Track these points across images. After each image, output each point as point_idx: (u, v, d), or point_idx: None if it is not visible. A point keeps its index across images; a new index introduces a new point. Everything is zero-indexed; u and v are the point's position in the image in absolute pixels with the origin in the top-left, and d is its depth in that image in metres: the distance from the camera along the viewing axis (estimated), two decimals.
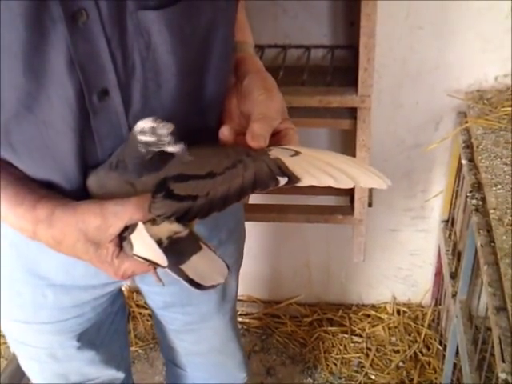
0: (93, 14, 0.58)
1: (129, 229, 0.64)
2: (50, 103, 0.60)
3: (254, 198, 1.47)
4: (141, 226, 0.63)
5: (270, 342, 1.87)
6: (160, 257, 0.62)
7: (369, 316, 1.90)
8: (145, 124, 0.60)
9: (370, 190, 1.44)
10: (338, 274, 1.88)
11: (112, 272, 0.66)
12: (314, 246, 1.81)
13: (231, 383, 1.23)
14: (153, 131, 0.60)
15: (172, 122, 0.61)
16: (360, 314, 1.90)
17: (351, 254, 1.69)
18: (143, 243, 0.63)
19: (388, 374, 1.74)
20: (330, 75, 1.33)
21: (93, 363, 0.99)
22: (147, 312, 1.93)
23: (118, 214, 0.62)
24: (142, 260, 0.63)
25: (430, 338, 1.81)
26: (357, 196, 1.37)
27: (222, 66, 0.70)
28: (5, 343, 1.85)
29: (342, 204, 1.58)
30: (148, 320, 1.92)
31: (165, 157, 0.62)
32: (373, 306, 1.92)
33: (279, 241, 1.81)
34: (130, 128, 0.64)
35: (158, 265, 0.63)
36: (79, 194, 0.66)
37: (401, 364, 1.77)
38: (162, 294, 0.98)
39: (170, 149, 0.60)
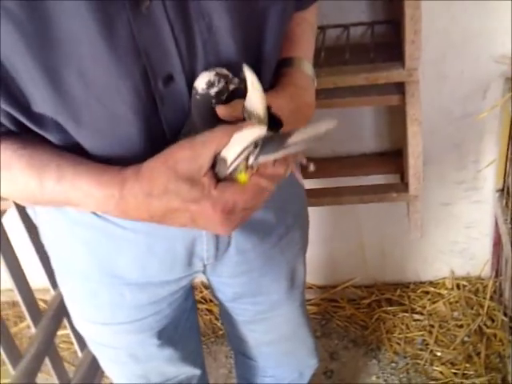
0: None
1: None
2: (118, 90, 0.60)
3: (307, 183, 1.46)
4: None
5: (331, 326, 1.86)
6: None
7: (428, 293, 1.87)
8: (208, 77, 0.62)
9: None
10: (392, 252, 1.85)
11: (210, 206, 0.61)
12: (367, 227, 1.79)
13: (303, 370, 1.22)
14: (219, 78, 0.62)
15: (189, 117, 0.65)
16: (419, 291, 1.88)
17: (405, 232, 1.67)
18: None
19: (454, 349, 1.71)
20: (373, 52, 1.31)
21: (171, 361, 1.00)
22: (205, 307, 1.94)
23: (206, 143, 0.60)
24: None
25: (494, 309, 1.78)
26: (411, 172, 1.35)
27: (277, 42, 0.70)
28: (69, 348, 1.89)
29: (392, 182, 1.56)
30: (206, 314, 1.93)
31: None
32: (431, 283, 1.89)
33: (331, 224, 1.79)
34: None
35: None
36: None
37: (466, 338, 1.74)
38: (232, 285, 0.97)
39: (233, 85, 0.63)
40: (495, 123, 1.53)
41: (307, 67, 0.77)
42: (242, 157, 0.61)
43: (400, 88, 1.29)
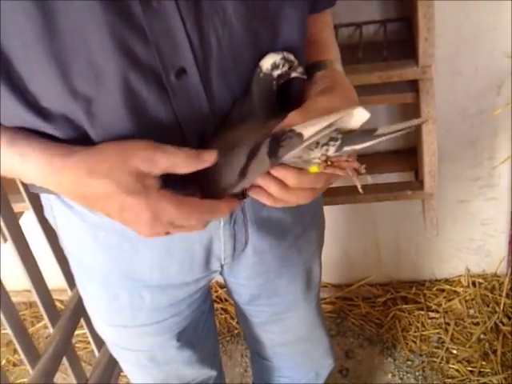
0: None
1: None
2: (129, 85, 0.60)
3: None
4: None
5: (346, 325, 1.86)
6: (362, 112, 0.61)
7: (443, 291, 1.86)
8: (273, 59, 0.64)
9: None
10: (408, 250, 1.85)
11: (144, 204, 0.61)
12: (382, 225, 1.79)
13: (319, 371, 1.22)
14: (284, 62, 0.64)
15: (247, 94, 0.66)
16: (434, 289, 1.87)
17: (420, 230, 1.67)
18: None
19: (470, 347, 1.71)
20: (386, 50, 1.30)
21: (190, 363, 1.00)
22: (220, 306, 1.94)
23: (169, 156, 0.61)
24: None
25: (510, 307, 1.76)
26: (426, 169, 1.34)
27: (291, 38, 0.70)
28: (85, 348, 1.90)
29: (406, 180, 1.56)
30: (222, 314, 1.94)
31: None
32: (446, 280, 1.89)
33: (346, 223, 1.79)
34: (211, 105, 0.65)
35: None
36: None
37: (482, 336, 1.73)
38: (248, 287, 0.97)
39: (295, 73, 0.66)
40: (510, 119, 1.52)
41: (341, 68, 0.77)
42: (319, 137, 0.60)
43: (414, 86, 1.29)
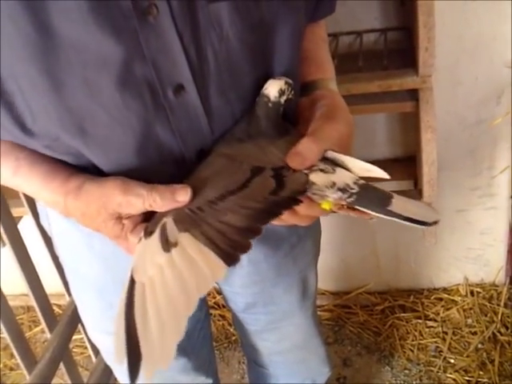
0: (163, 9, 0.57)
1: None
2: (125, 102, 0.60)
3: None
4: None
5: (343, 333, 1.86)
6: (379, 171, 0.61)
7: (441, 299, 1.86)
8: (279, 85, 0.66)
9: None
10: (406, 259, 1.85)
11: (125, 247, 0.67)
12: (381, 233, 1.79)
13: (315, 379, 1.22)
14: (288, 87, 0.66)
15: (247, 110, 0.68)
16: (432, 298, 1.87)
17: (419, 238, 1.67)
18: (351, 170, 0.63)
19: (467, 356, 1.70)
20: (386, 58, 1.31)
21: (185, 371, 1.00)
22: (218, 312, 1.94)
23: (142, 197, 0.62)
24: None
25: (508, 316, 1.76)
26: (425, 178, 1.34)
27: (289, 51, 0.70)
28: (82, 353, 1.90)
29: (405, 188, 1.56)
30: (219, 320, 1.93)
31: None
32: (445, 289, 1.88)
33: (344, 230, 1.79)
34: (210, 121, 0.65)
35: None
36: (162, 183, 0.65)
37: (480, 346, 1.73)
38: (244, 295, 0.97)
39: (291, 95, 0.67)
40: (509, 129, 1.52)
41: (336, 87, 0.77)
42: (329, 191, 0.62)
43: (414, 95, 1.29)
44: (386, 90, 1.27)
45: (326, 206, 0.63)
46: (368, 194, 0.61)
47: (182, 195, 0.61)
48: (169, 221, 0.60)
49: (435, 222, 0.61)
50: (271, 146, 0.66)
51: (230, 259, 0.57)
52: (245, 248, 0.59)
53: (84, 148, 0.64)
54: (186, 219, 0.60)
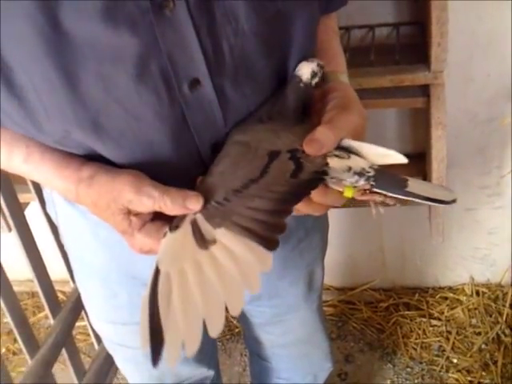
0: (180, 2, 0.57)
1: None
2: (138, 93, 0.59)
3: None
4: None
5: (347, 328, 1.85)
6: (397, 155, 0.61)
7: (446, 298, 1.85)
8: (311, 67, 0.67)
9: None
10: (412, 257, 1.84)
11: (130, 243, 0.66)
12: (388, 230, 1.78)
13: (317, 374, 1.22)
14: (320, 69, 0.67)
15: (261, 103, 0.67)
16: (437, 296, 1.86)
17: (426, 236, 1.65)
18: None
19: (470, 356, 1.69)
20: (398, 53, 1.29)
21: (186, 362, 1.00)
22: None
23: (153, 198, 0.61)
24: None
25: None
26: (435, 176, 1.33)
27: (304, 44, 0.69)
28: (85, 340, 1.90)
29: None
30: None
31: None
32: (450, 288, 1.87)
33: (351, 226, 1.78)
34: (225, 115, 0.65)
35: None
36: (176, 176, 0.65)
37: (483, 346, 1.72)
38: None
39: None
40: None
41: (347, 80, 0.77)
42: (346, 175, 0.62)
43: (425, 90, 1.28)
44: (398, 85, 1.26)
45: (348, 193, 0.62)
46: (385, 177, 0.61)
47: (193, 203, 0.60)
48: (199, 217, 0.60)
49: (453, 201, 0.61)
50: (286, 131, 0.66)
51: (271, 243, 0.56)
52: (281, 228, 0.58)
53: (97, 143, 0.63)
54: (215, 213, 0.60)
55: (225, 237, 0.58)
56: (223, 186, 0.61)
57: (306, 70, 0.67)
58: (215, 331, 0.53)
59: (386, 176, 0.62)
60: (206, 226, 0.59)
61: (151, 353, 0.53)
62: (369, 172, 0.61)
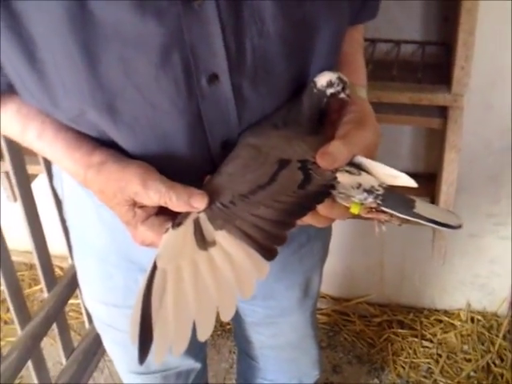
0: None
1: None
2: (158, 81, 0.60)
3: None
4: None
5: (337, 339, 1.85)
6: (407, 178, 0.61)
7: (441, 322, 1.85)
8: (330, 77, 0.66)
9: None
10: (412, 275, 1.83)
11: (132, 235, 0.67)
12: (390, 246, 1.77)
13: (302, 380, 1.22)
14: (339, 82, 0.66)
15: (277, 107, 0.68)
16: (432, 318, 1.85)
17: (427, 257, 1.65)
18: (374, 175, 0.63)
19: (458, 382, 1.69)
20: (421, 71, 1.29)
21: None
22: None
23: (159, 193, 0.62)
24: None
25: (505, 349, 1.74)
26: (443, 198, 1.33)
27: (327, 53, 0.69)
28: (77, 318, 1.91)
29: None
30: None
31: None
32: (446, 312, 1.87)
33: (353, 237, 1.78)
34: (239, 114, 0.65)
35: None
36: (184, 170, 0.66)
37: (472, 373, 1.71)
38: None
39: (343, 94, 0.67)
40: None
41: (365, 93, 0.77)
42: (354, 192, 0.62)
43: (443, 112, 1.28)
44: (416, 103, 1.26)
45: (355, 209, 0.62)
46: (393, 197, 0.61)
47: (198, 201, 0.61)
48: (202, 217, 0.60)
49: (459, 226, 0.61)
50: (299, 139, 0.66)
51: (269, 253, 0.57)
52: (281, 240, 0.58)
53: (111, 127, 0.64)
54: (219, 214, 0.60)
55: (225, 240, 0.58)
56: (230, 189, 0.62)
57: (323, 78, 0.67)
58: (204, 335, 0.54)
59: (394, 196, 0.62)
60: (207, 227, 0.59)
61: (139, 348, 0.54)
62: (378, 190, 0.61)
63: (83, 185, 0.68)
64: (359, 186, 0.61)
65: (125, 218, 0.65)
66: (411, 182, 0.61)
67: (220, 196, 0.61)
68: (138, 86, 0.60)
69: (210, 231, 0.59)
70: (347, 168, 0.63)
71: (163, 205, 0.63)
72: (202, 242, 0.58)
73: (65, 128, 0.66)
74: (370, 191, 0.61)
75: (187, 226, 0.60)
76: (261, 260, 0.56)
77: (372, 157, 0.66)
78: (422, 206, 0.61)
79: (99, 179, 0.65)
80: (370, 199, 0.61)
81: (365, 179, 0.62)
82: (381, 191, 0.61)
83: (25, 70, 0.59)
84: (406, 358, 1.77)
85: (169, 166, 0.64)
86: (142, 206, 0.64)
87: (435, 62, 1.36)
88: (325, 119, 0.71)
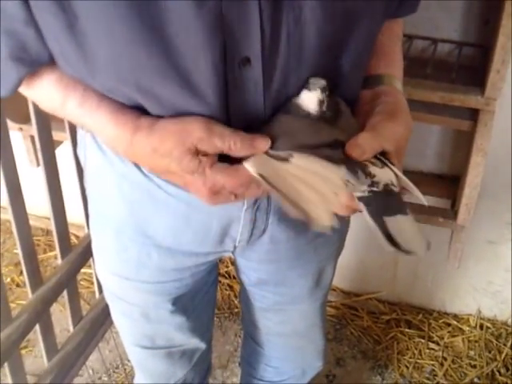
0: None
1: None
2: (195, 63, 0.60)
3: None
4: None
5: (344, 333, 1.85)
6: (418, 194, 0.64)
7: (449, 325, 1.84)
8: (316, 97, 0.65)
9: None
10: (424, 276, 1.82)
11: (201, 182, 0.65)
12: None
13: (305, 370, 1.22)
14: (321, 92, 0.65)
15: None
16: (441, 321, 1.84)
17: (442, 259, 1.63)
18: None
19: None
20: (455, 72, 1.27)
21: (181, 329, 1.01)
22: (227, 282, 1.95)
23: (224, 137, 0.63)
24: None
25: (511, 359, 1.73)
26: (464, 201, 1.31)
27: (360, 47, 0.69)
28: (88, 287, 1.93)
29: (441, 206, 1.52)
30: (226, 289, 1.94)
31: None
32: (455, 316, 1.86)
33: (370, 233, 1.76)
34: (265, 100, 0.65)
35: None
36: None
37: (476, 380, 1.70)
38: (258, 271, 0.97)
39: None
40: None
41: (401, 86, 0.76)
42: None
43: (473, 114, 1.26)
44: (447, 104, 1.24)
45: None
46: (383, 200, 0.63)
47: (262, 142, 0.63)
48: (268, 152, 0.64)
49: (410, 253, 0.63)
50: (329, 127, 0.66)
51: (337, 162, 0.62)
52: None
53: (145, 103, 0.65)
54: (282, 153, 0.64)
55: (299, 160, 0.62)
56: (288, 141, 0.64)
57: (310, 101, 0.66)
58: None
59: (385, 199, 0.63)
60: (277, 156, 0.63)
61: None
62: (394, 185, 0.63)
63: (125, 151, 0.68)
64: (371, 175, 0.63)
65: (189, 168, 0.64)
66: (421, 199, 0.65)
67: (279, 146, 0.64)
68: (178, 68, 0.60)
69: (281, 156, 0.63)
70: (372, 160, 0.64)
71: (226, 151, 0.63)
72: (281, 159, 0.63)
73: (108, 97, 0.67)
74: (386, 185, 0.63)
75: (259, 156, 0.64)
76: (335, 167, 0.61)
77: (401, 151, 0.67)
78: (399, 223, 0.63)
79: (151, 139, 0.64)
80: (364, 188, 0.62)
81: (384, 173, 0.63)
82: (396, 189, 0.63)
83: (65, 39, 0.59)
84: (410, 357, 1.76)
85: None
86: (204, 155, 0.64)
87: (471, 64, 1.34)
88: (356, 109, 0.71)
